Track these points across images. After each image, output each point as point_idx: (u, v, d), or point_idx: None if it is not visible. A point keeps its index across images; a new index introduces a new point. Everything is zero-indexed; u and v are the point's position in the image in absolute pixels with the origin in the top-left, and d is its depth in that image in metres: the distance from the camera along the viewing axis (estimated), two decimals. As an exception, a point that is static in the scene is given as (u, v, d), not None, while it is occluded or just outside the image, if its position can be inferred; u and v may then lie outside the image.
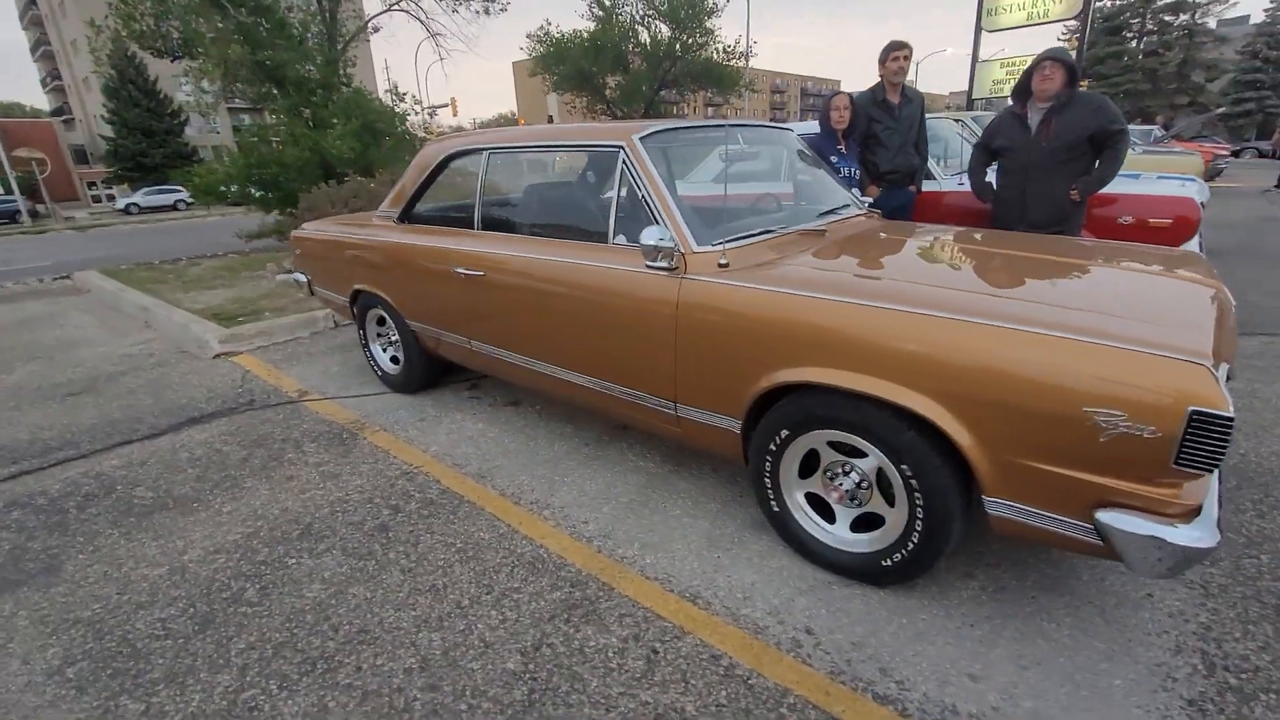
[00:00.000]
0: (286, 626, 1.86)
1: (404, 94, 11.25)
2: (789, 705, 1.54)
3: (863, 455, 1.84)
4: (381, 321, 3.65)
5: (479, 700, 1.59)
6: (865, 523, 1.93)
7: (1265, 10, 29.28)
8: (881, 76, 3.86)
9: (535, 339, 2.61)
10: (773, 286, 1.88)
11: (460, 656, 1.73)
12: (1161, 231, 3.82)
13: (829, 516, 2.00)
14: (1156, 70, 25.32)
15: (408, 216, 3.24)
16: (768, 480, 2.03)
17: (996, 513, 1.59)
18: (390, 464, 2.81)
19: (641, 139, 2.29)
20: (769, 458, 1.99)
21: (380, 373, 3.71)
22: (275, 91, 10.09)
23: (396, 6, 14.39)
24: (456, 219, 3.03)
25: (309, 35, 10.60)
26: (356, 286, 3.51)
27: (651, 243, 2.04)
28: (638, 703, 1.56)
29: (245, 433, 3.20)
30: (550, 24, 21.73)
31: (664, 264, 2.09)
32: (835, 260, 2.14)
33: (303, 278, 4.10)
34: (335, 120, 9.32)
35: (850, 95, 3.84)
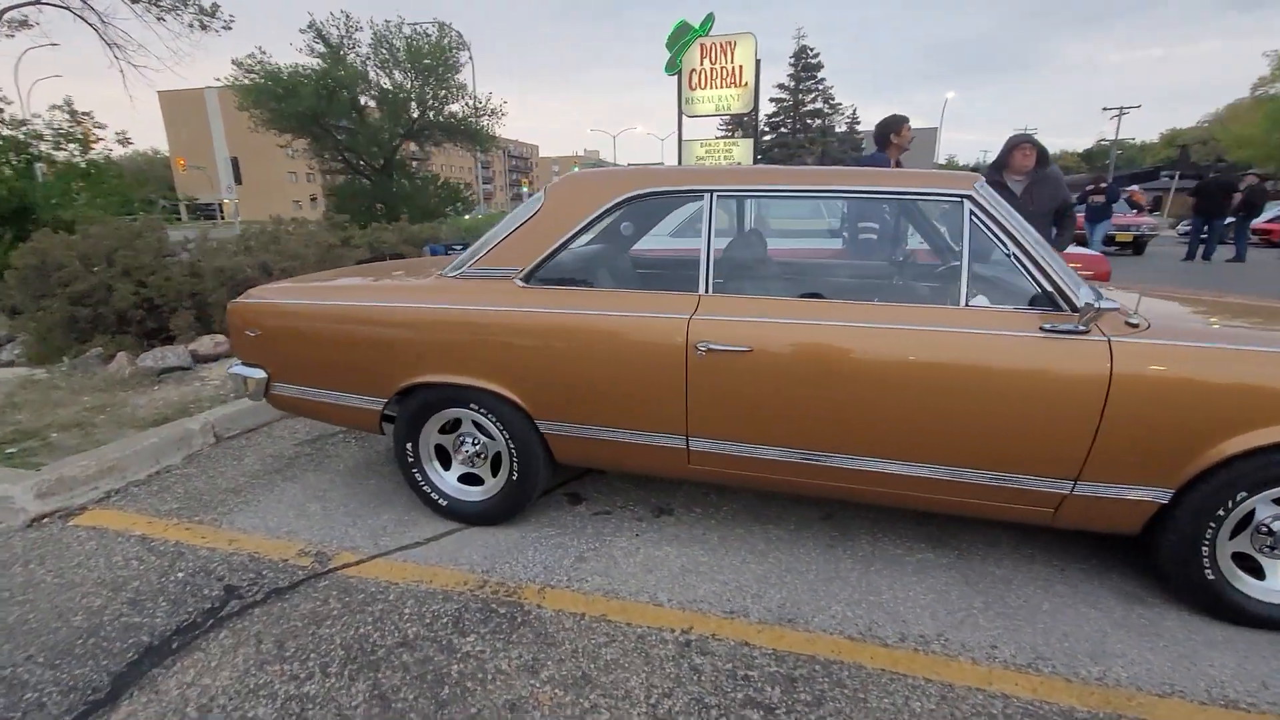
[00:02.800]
0: None
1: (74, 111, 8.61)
2: None
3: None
4: (451, 428, 2.52)
5: None
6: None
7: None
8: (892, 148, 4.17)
9: (837, 426, 2.06)
10: (1243, 345, 1.81)
11: None
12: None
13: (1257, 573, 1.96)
14: (804, 160, 34.22)
15: (541, 276, 2.32)
16: (1205, 549, 1.91)
17: None
18: (649, 638, 1.89)
19: (980, 187, 2.04)
20: (1211, 525, 1.88)
21: (443, 503, 2.54)
22: None
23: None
24: (657, 278, 2.28)
25: None
26: (416, 380, 2.37)
27: (1090, 302, 1.80)
28: None
29: (309, 651, 1.84)
30: (264, 53, 18.55)
31: (1072, 327, 1.86)
32: (1217, 316, 2.13)
33: (255, 372, 2.61)
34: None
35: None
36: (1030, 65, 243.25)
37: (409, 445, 2.52)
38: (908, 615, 2.00)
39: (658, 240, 3.61)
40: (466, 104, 20.69)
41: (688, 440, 2.21)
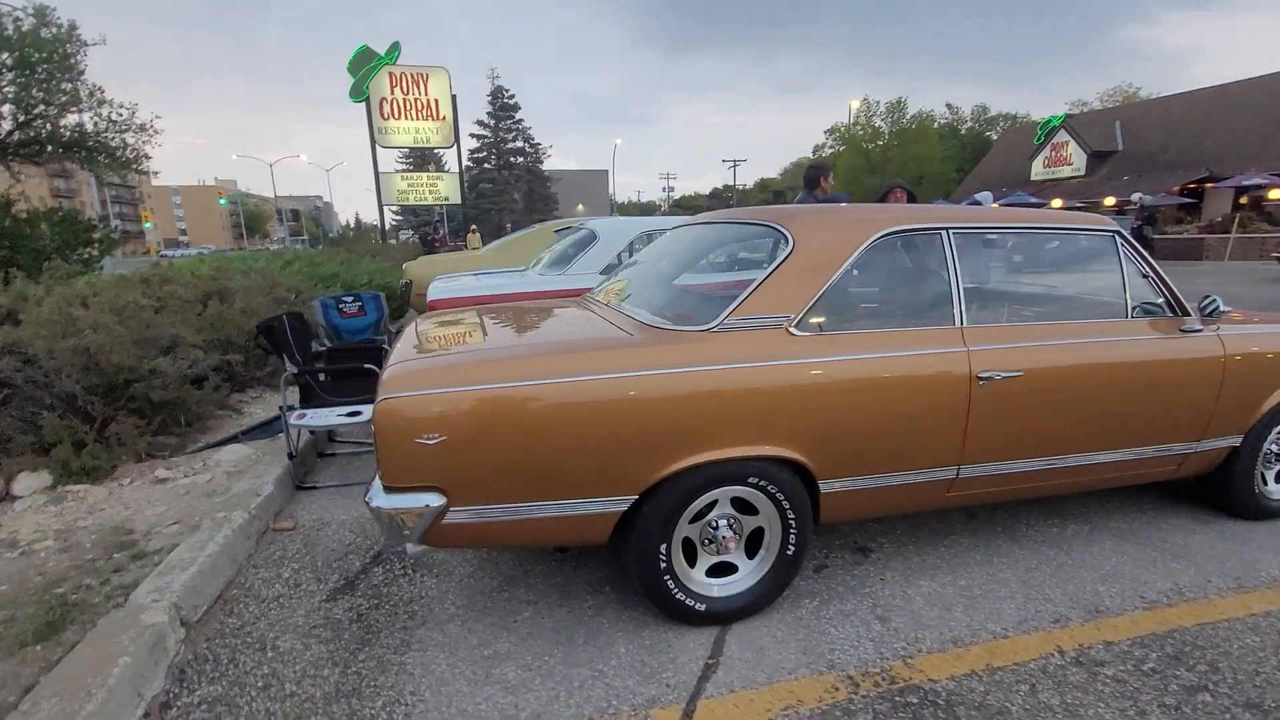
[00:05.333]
0: None
1: None
2: None
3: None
4: (697, 517, 2.06)
5: None
6: None
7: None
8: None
9: (1078, 429, 2.36)
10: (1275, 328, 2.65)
11: None
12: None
13: None
14: (516, 196, 35.02)
15: (811, 322, 2.09)
16: (1257, 473, 2.73)
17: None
18: (1047, 666, 1.88)
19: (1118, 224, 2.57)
20: (1258, 455, 2.71)
21: (701, 607, 2.07)
22: None
23: None
24: (911, 316, 2.25)
25: None
26: (688, 463, 1.92)
27: (1207, 309, 2.46)
28: None
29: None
30: None
31: (1199, 327, 2.51)
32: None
33: (424, 500, 1.74)
34: None
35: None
36: (656, 120, 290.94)
37: (663, 548, 1.99)
38: (1145, 579, 2.39)
39: (699, 276, 3.47)
40: (100, 115, 15.73)
41: (959, 469, 2.25)
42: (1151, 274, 2.54)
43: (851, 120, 39.57)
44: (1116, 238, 2.53)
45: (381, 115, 20.07)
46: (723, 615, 2.10)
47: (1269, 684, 1.84)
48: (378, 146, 20.06)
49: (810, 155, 56.74)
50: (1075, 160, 27.31)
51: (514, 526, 1.87)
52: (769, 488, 2.05)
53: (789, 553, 2.13)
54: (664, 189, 58.07)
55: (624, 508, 1.93)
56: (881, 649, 2.00)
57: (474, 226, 22.33)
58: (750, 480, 2.02)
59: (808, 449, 2.03)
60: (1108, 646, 2.01)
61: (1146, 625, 2.11)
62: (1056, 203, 23.31)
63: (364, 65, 19.96)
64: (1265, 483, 2.80)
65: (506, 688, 1.85)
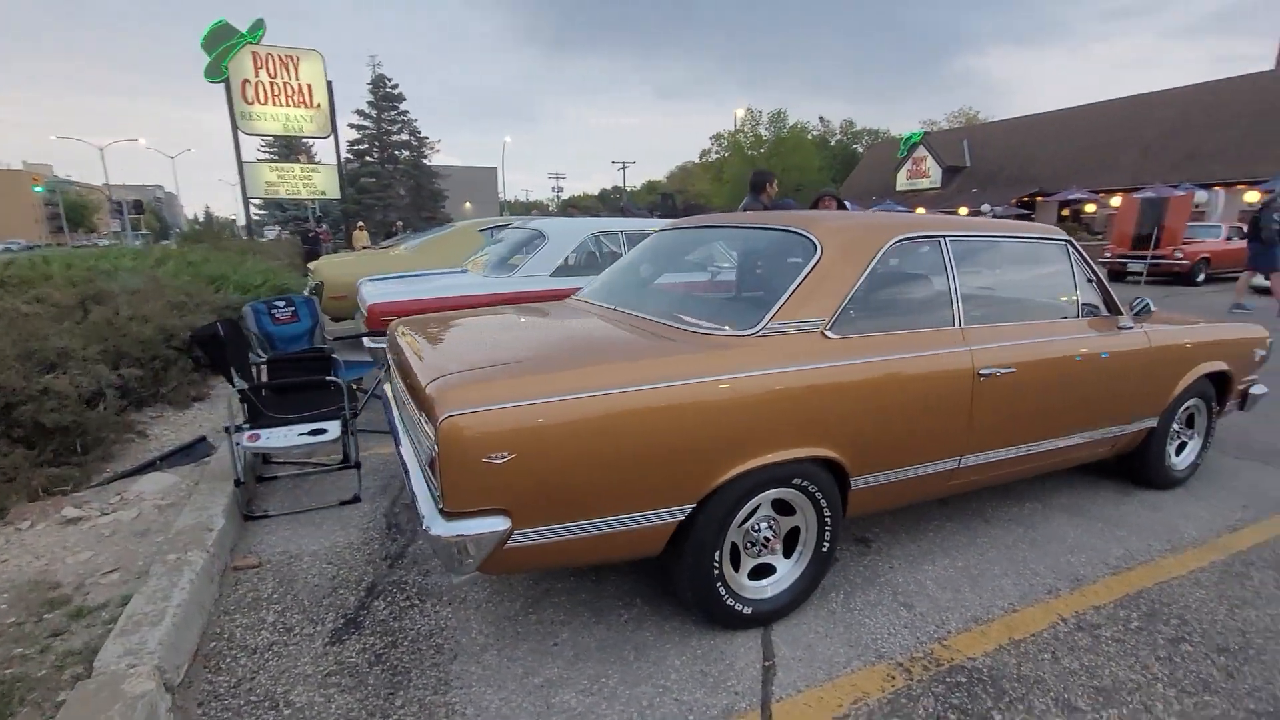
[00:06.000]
0: None
1: None
2: None
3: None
4: (729, 511, 2.07)
5: None
6: None
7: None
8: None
9: (1056, 417, 2.64)
10: (1185, 325, 3.09)
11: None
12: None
13: None
14: (402, 192, 32.94)
15: (841, 325, 2.15)
16: (1169, 447, 3.17)
17: None
18: (1057, 634, 2.07)
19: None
20: (1169, 429, 3.16)
21: (748, 611, 2.07)
22: None
23: None
24: (919, 318, 2.37)
25: None
26: (743, 468, 1.92)
27: (1136, 309, 2.84)
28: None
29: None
30: None
31: (1132, 324, 2.88)
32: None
33: (490, 524, 1.60)
34: None
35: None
36: (543, 119, 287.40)
37: (716, 554, 1.97)
38: (1102, 547, 2.70)
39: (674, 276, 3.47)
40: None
41: (960, 459, 2.43)
42: (1095, 278, 2.88)
43: (737, 127, 41.39)
44: (1068, 246, 2.84)
45: (245, 99, 18.18)
46: (767, 616, 2.12)
47: (1225, 630, 2.15)
48: (240, 133, 18.18)
49: (696, 160, 58.73)
50: (932, 174, 30.32)
51: (575, 545, 1.77)
52: (809, 487, 2.09)
53: (824, 549, 2.19)
54: (553, 188, 57.48)
55: (682, 517, 1.89)
56: (917, 634, 2.11)
57: (360, 224, 20.87)
58: (794, 482, 2.06)
59: (843, 448, 2.10)
60: (1097, 610, 2.25)
61: (1119, 589, 2.39)
62: (920, 211, 25.78)
63: (222, 42, 18.00)
64: (1172, 457, 3.27)
65: (573, 716, 1.74)
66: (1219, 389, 3.33)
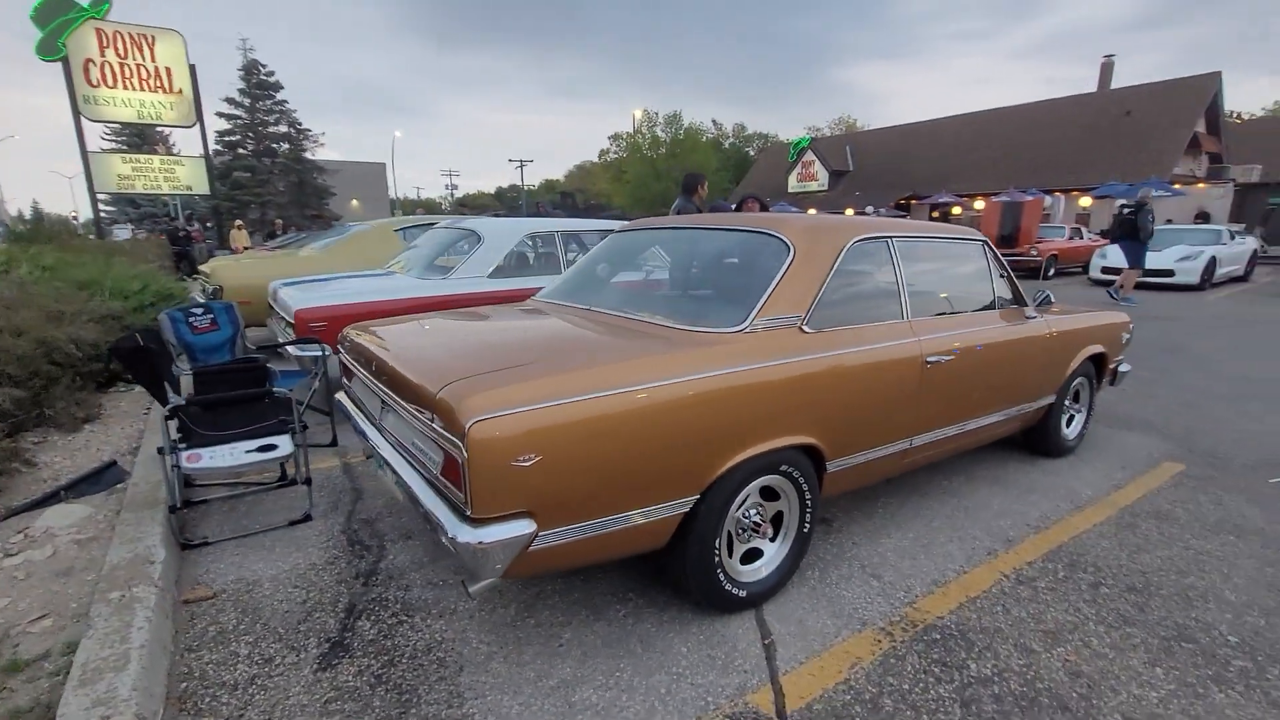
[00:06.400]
0: None
1: None
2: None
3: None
4: (726, 500, 2.17)
5: None
6: None
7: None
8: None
9: (986, 396, 2.96)
10: (1080, 313, 3.56)
11: None
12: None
13: None
14: (282, 187, 30.26)
15: (814, 321, 2.30)
16: (1065, 419, 3.64)
17: None
18: (1006, 587, 2.35)
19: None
20: (1065, 405, 3.63)
21: (742, 594, 2.18)
22: None
23: None
24: (874, 312, 2.58)
25: None
26: (741, 457, 2.03)
27: (1038, 301, 3.25)
28: None
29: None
30: None
31: (1036, 315, 3.29)
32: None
33: (518, 528, 1.59)
34: None
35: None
36: (434, 115, 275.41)
37: (716, 542, 2.06)
38: (1022, 510, 3.07)
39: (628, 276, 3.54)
40: None
41: (912, 439, 2.68)
42: (1006, 274, 3.26)
43: (635, 128, 41.90)
44: (985, 245, 3.19)
45: (89, 81, 16.02)
46: (758, 597, 2.24)
47: (1130, 572, 2.53)
48: (84, 119, 16.04)
49: (596, 159, 58.93)
50: (820, 177, 32.29)
51: (591, 543, 1.79)
52: (793, 473, 2.24)
53: (805, 530, 2.34)
54: (447, 186, 55.55)
55: (688, 508, 1.96)
56: (890, 601, 2.32)
57: (238, 222, 19.12)
58: (781, 468, 2.19)
59: (822, 434, 2.27)
60: (1030, 565, 2.57)
61: (1043, 545, 2.74)
62: (812, 211, 27.41)
63: (57, 16, 15.80)
64: (1064, 429, 3.76)
65: (597, 712, 1.77)
66: (1097, 368, 3.86)
